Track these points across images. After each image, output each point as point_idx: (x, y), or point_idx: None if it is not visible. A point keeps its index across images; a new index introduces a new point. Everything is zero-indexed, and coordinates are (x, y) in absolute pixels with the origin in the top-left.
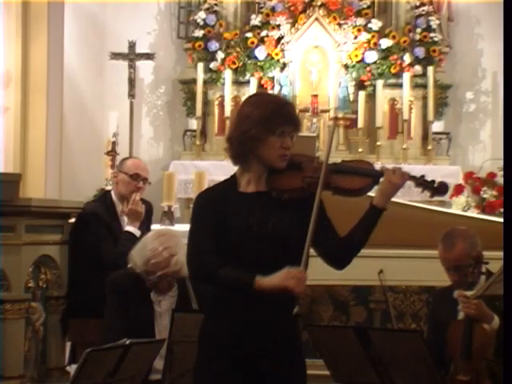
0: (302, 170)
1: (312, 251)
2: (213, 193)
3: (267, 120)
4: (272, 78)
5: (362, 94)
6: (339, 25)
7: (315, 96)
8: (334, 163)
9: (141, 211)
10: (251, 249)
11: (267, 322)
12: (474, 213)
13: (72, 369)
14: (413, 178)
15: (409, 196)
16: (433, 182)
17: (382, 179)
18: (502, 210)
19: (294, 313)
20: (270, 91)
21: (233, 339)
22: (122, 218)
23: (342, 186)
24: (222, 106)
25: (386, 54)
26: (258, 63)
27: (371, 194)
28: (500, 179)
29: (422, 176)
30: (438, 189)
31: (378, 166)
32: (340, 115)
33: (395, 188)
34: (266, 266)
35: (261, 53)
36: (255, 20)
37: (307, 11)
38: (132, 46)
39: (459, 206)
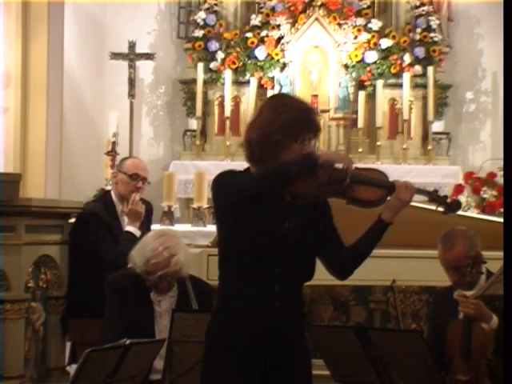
0: (318, 176)
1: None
2: None
3: (291, 127)
4: (272, 78)
5: (361, 94)
6: (339, 25)
7: (315, 96)
8: None
9: (141, 211)
10: (265, 249)
11: (277, 322)
12: (473, 213)
13: (72, 369)
14: (426, 192)
15: None
16: (445, 197)
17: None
18: (501, 210)
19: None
20: (269, 91)
21: (242, 338)
22: (122, 217)
23: (357, 196)
24: (221, 106)
25: (386, 54)
26: (258, 63)
27: None
28: (500, 179)
29: (436, 191)
30: (451, 205)
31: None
32: (340, 115)
33: (404, 204)
34: (279, 267)
35: (261, 53)
36: (255, 20)
37: (307, 11)
38: (132, 46)
39: None
